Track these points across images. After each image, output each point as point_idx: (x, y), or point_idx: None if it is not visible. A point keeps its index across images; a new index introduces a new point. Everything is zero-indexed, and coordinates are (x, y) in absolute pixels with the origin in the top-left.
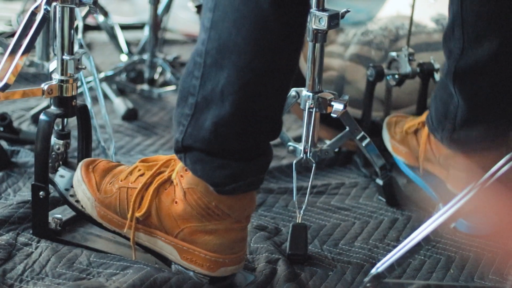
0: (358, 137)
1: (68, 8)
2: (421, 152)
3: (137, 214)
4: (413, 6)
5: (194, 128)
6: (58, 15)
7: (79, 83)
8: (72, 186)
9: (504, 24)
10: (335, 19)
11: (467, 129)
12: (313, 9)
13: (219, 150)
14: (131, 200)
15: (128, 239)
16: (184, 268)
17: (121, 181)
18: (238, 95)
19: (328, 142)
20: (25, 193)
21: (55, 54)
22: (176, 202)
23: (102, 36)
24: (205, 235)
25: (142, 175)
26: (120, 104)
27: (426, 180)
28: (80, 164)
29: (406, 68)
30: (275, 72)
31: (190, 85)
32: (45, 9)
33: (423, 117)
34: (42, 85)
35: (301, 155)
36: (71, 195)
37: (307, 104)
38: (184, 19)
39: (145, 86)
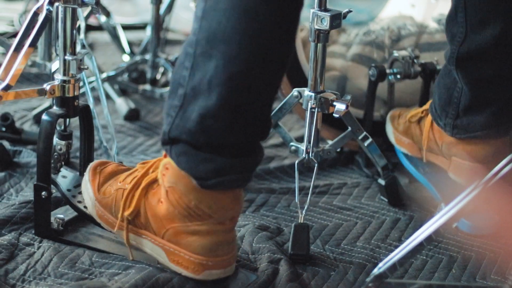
0: (360, 137)
1: (70, 8)
2: (424, 139)
3: (126, 213)
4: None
5: (181, 119)
6: (60, 15)
7: (81, 83)
8: (74, 187)
9: (507, 8)
10: (337, 19)
11: (470, 115)
12: (315, 9)
13: (204, 143)
14: (123, 200)
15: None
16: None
17: (119, 182)
18: (225, 86)
19: (330, 142)
20: (27, 193)
21: (57, 54)
22: (161, 202)
23: (104, 36)
24: (188, 236)
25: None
26: (122, 104)
27: (427, 177)
28: (90, 164)
29: (408, 69)
30: (263, 64)
31: (180, 76)
32: (47, 10)
33: (427, 105)
34: (44, 85)
35: (303, 155)
36: (73, 196)
37: (309, 104)
38: (186, 19)
39: (147, 86)
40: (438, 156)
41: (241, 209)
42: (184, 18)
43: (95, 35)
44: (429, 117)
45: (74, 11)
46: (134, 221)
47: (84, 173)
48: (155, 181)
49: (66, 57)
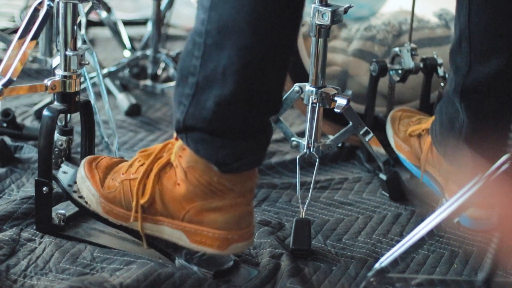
0: (361, 132)
1: (71, 4)
2: (423, 159)
3: (142, 201)
4: (413, 1)
5: (196, 108)
6: (61, 11)
7: (82, 79)
8: (75, 182)
9: None
10: (338, 14)
11: (471, 147)
12: (316, 4)
13: (221, 130)
14: (134, 189)
15: (135, 232)
16: (194, 253)
17: (122, 174)
18: (239, 74)
19: (331, 137)
20: (29, 189)
21: (58, 50)
22: (178, 184)
23: (105, 32)
24: (211, 213)
25: (142, 165)
26: (123, 100)
27: (428, 175)
28: (83, 161)
29: (409, 63)
30: (275, 51)
31: (190, 64)
32: (48, 5)
33: (428, 123)
34: (45, 81)
35: (305, 150)
36: (74, 191)
37: (310, 99)
38: (187, 14)
39: (148, 82)
40: (437, 171)
41: (257, 180)
42: (185, 14)
43: (96, 31)
44: (429, 138)
45: (75, 7)
46: (148, 209)
47: (78, 171)
48: (167, 164)
49: (67, 53)
